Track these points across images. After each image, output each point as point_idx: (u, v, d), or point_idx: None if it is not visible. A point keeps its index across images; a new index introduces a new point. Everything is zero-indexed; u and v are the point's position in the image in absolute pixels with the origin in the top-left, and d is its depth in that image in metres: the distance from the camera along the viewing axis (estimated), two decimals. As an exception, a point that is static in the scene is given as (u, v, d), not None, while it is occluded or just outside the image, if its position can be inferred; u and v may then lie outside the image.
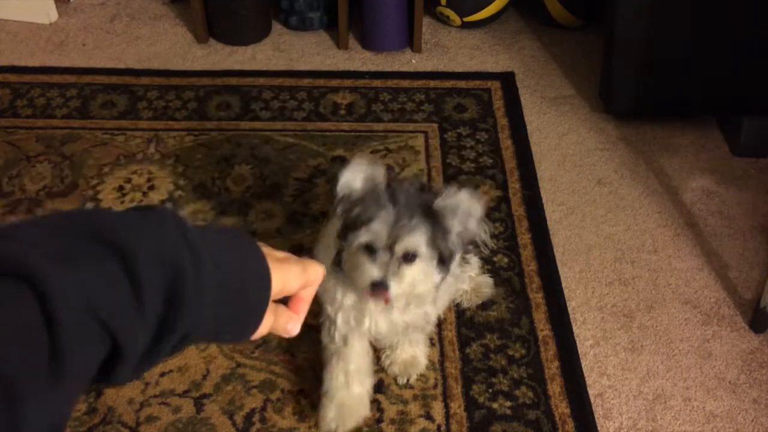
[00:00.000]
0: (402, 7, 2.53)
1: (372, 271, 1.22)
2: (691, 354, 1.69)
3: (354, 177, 1.25)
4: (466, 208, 1.25)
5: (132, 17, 2.77)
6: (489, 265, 1.84)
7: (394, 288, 1.22)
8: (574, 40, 2.66)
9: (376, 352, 1.60)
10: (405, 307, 1.36)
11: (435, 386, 1.60)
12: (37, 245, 0.45)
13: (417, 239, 1.21)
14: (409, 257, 1.23)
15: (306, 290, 0.66)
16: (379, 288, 1.22)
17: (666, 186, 2.11)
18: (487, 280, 1.77)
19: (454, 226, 1.25)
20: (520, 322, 1.73)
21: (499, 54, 2.60)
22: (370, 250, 1.23)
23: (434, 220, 1.24)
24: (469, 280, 1.72)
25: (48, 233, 0.48)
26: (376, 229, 1.21)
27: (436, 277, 1.29)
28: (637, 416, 1.57)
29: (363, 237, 1.22)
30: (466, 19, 2.64)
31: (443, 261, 1.28)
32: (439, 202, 1.24)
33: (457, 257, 1.36)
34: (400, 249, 1.22)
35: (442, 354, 1.66)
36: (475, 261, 1.72)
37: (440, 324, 1.70)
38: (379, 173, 1.26)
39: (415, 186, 1.31)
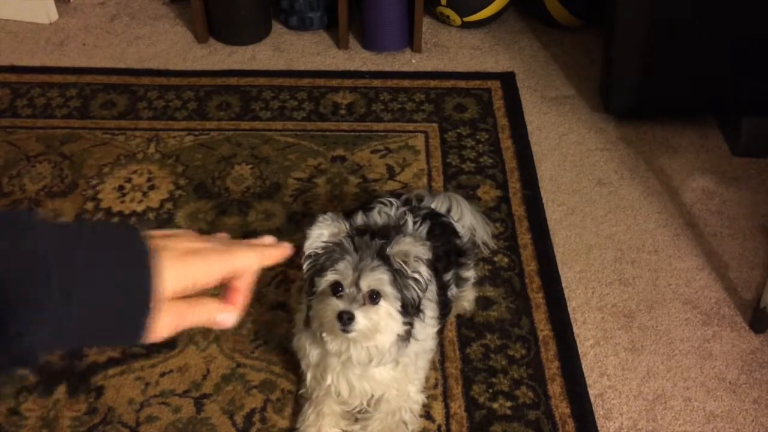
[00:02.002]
0: (402, 7, 2.53)
1: (338, 304, 1.28)
2: (691, 354, 1.69)
3: (320, 234, 1.32)
4: (413, 254, 1.32)
5: (132, 17, 2.77)
6: (489, 265, 1.84)
7: (360, 318, 1.27)
8: (574, 40, 2.66)
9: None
10: (366, 363, 1.37)
11: (435, 386, 1.60)
12: None
13: (380, 276, 1.28)
14: (374, 296, 1.29)
15: (240, 280, 0.63)
16: (345, 319, 1.27)
17: (666, 186, 2.11)
18: (468, 295, 1.72)
19: (408, 271, 1.32)
20: (520, 322, 1.73)
21: (499, 54, 2.60)
22: (336, 289, 1.29)
23: (392, 266, 1.31)
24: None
25: None
26: (342, 268, 1.28)
27: (400, 326, 1.33)
28: (637, 416, 1.57)
29: (330, 276, 1.29)
30: (466, 19, 2.64)
31: (407, 310, 1.32)
32: (390, 250, 1.31)
33: (425, 314, 1.40)
34: (365, 284, 1.28)
35: (442, 354, 1.65)
36: (472, 275, 1.69)
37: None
38: (342, 227, 1.33)
39: (369, 237, 1.36)
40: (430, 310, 1.43)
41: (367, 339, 1.31)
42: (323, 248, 1.32)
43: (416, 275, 1.33)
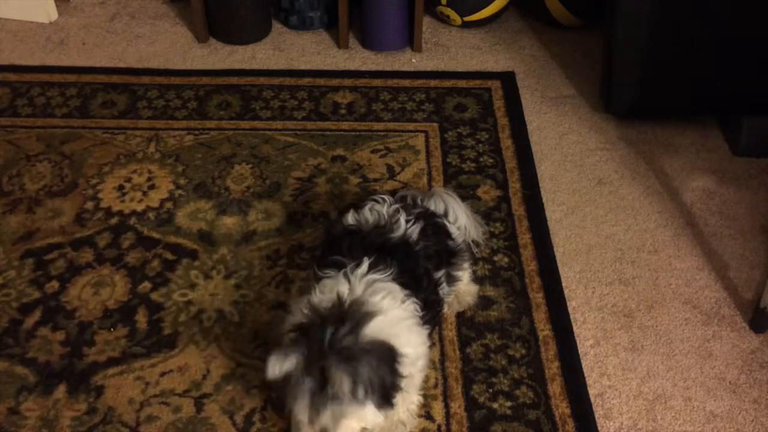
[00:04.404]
0: (402, 7, 2.53)
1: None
2: (691, 354, 1.69)
3: (274, 371, 1.22)
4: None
5: (132, 16, 2.77)
6: (489, 265, 1.84)
7: None
8: (574, 40, 2.66)
9: None
10: None
11: (435, 386, 1.60)
12: None
13: (336, 412, 1.22)
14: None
15: None
16: None
17: (666, 186, 2.11)
18: (471, 289, 1.74)
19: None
20: (520, 322, 1.73)
21: (499, 53, 2.60)
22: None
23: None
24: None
25: None
26: (298, 410, 1.23)
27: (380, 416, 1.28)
28: (637, 416, 1.57)
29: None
30: (466, 19, 2.64)
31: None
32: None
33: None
34: (324, 422, 1.23)
35: (442, 354, 1.66)
36: (466, 276, 1.68)
37: (441, 323, 1.70)
38: (295, 360, 1.22)
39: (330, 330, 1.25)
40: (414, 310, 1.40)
41: None
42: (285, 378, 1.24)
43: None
